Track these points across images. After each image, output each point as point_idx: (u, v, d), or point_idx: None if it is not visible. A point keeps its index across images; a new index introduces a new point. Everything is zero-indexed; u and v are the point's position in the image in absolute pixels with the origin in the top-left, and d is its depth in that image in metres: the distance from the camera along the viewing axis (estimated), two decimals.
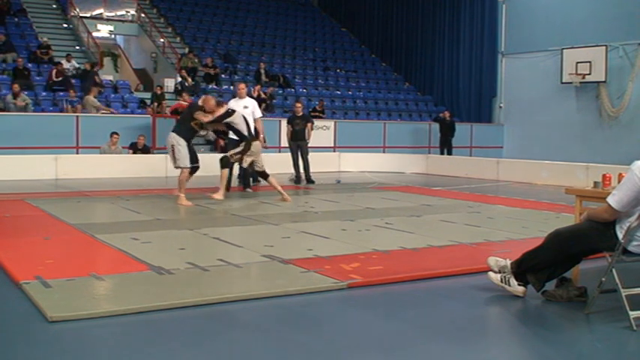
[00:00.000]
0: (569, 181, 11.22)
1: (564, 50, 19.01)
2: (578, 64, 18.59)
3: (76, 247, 6.05)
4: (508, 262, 4.49)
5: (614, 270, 3.89)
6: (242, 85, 11.19)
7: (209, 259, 5.28)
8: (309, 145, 13.08)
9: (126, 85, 18.76)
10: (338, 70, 23.72)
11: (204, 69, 19.77)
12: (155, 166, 13.71)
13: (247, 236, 6.69)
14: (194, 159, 9.24)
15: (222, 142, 13.30)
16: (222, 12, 25.30)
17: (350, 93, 22.32)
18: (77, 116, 15.16)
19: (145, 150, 14.69)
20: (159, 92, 17.67)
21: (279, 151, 16.19)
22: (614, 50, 18.15)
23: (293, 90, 20.81)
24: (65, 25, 21.28)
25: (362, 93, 22.50)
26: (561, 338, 3.73)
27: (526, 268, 4.33)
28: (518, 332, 4.01)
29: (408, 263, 5.42)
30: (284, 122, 14.29)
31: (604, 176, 4.69)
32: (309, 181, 12.86)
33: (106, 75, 19.29)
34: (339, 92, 22.15)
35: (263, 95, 17.80)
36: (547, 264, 4.25)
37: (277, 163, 14.36)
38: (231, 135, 9.93)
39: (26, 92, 15.48)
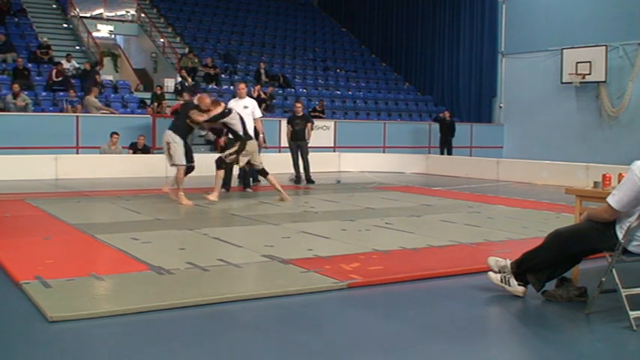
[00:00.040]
0: (569, 181, 11.22)
1: (564, 50, 19.01)
2: (578, 64, 18.59)
3: (76, 247, 6.05)
4: (508, 262, 4.49)
5: (614, 270, 3.89)
6: (242, 85, 11.18)
7: (209, 259, 5.28)
8: (309, 145, 13.08)
9: (126, 85, 18.76)
10: (338, 70, 23.72)
11: (204, 69, 19.77)
12: (155, 166, 13.69)
13: (247, 236, 6.68)
14: (190, 158, 9.20)
15: (222, 142, 13.29)
16: (222, 12, 25.30)
17: (350, 93, 22.32)
18: (77, 116, 15.16)
19: (145, 150, 14.69)
20: (159, 92, 17.68)
21: (279, 151, 16.19)
22: (614, 50, 18.15)
23: (293, 90, 20.81)
24: (65, 25, 21.28)
25: (362, 93, 22.51)
26: (561, 338, 3.73)
27: (526, 268, 4.33)
28: (518, 332, 4.01)
29: (408, 263, 5.42)
30: (284, 122, 14.29)
31: (604, 176, 4.69)
32: (309, 181, 12.86)
33: (106, 75, 19.28)
34: (339, 92, 22.15)
35: (263, 95, 17.80)
36: (547, 264, 4.25)
37: (277, 163, 14.35)
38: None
39: (26, 92, 15.48)
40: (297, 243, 6.20)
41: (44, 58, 17.80)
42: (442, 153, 18.72)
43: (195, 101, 9.34)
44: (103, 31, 22.79)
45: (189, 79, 18.32)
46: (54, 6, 21.80)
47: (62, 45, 19.66)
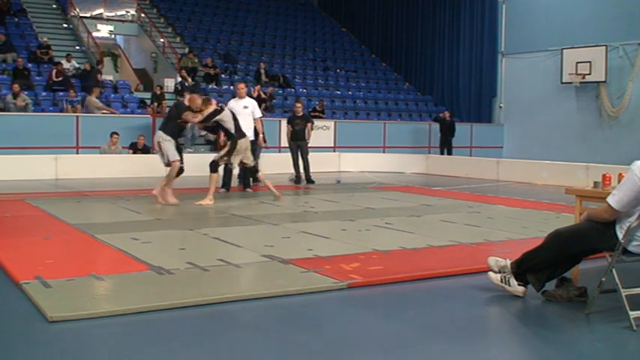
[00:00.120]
0: (569, 181, 11.22)
1: (564, 50, 19.01)
2: (578, 64, 18.58)
3: (76, 247, 6.05)
4: (508, 262, 4.48)
5: (614, 270, 3.89)
6: (242, 85, 11.17)
7: (209, 259, 5.28)
8: (309, 145, 13.08)
9: (126, 85, 18.76)
10: (338, 70, 23.72)
11: (204, 69, 19.77)
12: (155, 166, 13.58)
13: (247, 236, 6.68)
14: (180, 159, 9.08)
15: (222, 142, 13.30)
16: (222, 12, 25.30)
17: (350, 93, 22.32)
18: (77, 116, 15.16)
19: (145, 150, 14.68)
20: (159, 92, 17.67)
21: (279, 151, 16.20)
22: (614, 50, 18.15)
23: (293, 90, 20.81)
24: (65, 25, 21.28)
25: (362, 93, 22.50)
26: (561, 338, 3.73)
27: (526, 268, 4.33)
28: (518, 332, 4.01)
29: (408, 263, 5.42)
30: (284, 122, 14.29)
31: (604, 176, 4.69)
32: (309, 181, 12.86)
33: (106, 75, 19.28)
34: (339, 92, 22.15)
35: (263, 95, 17.79)
36: (547, 264, 4.25)
37: (277, 163, 14.38)
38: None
39: (26, 92, 15.48)
40: (297, 243, 6.20)
41: (44, 58, 17.79)
42: (442, 153, 18.72)
43: (187, 102, 9.19)
44: (103, 31, 22.78)
45: (189, 79, 18.31)
46: (54, 6, 21.80)
47: (62, 45, 19.65)
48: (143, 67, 23.72)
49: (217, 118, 9.16)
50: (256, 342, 3.58)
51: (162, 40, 21.77)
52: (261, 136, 11.14)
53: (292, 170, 13.06)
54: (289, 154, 13.11)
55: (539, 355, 3.53)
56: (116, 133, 14.22)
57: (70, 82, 16.64)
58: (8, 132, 14.05)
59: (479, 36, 21.94)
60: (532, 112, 20.45)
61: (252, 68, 21.24)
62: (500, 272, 4.51)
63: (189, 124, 10.44)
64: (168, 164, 9.06)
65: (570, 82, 18.93)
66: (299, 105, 13.20)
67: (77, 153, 14.75)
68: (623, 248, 3.96)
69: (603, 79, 18.32)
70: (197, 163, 11.40)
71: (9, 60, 17.11)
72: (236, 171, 10.63)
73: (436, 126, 19.41)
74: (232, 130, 9.24)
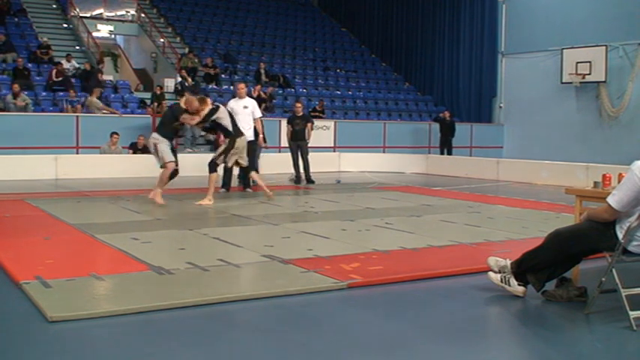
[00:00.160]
0: (569, 181, 11.22)
1: (564, 50, 19.01)
2: (578, 64, 18.58)
3: (76, 247, 6.05)
4: (508, 262, 4.48)
5: (614, 270, 3.89)
6: (242, 85, 11.17)
7: (209, 259, 5.28)
8: (309, 145, 13.08)
9: (126, 85, 18.77)
10: (338, 70, 23.72)
11: (204, 69, 19.77)
12: (155, 167, 13.68)
13: (247, 236, 6.69)
14: (175, 162, 9.02)
15: (221, 142, 13.29)
16: (222, 12, 25.30)
17: (350, 93, 22.32)
18: (77, 116, 15.16)
19: (145, 150, 14.67)
20: (159, 92, 17.67)
21: (279, 151, 16.20)
22: (614, 50, 18.15)
23: (293, 90, 20.81)
24: (65, 25, 21.29)
25: (362, 93, 22.50)
26: (561, 338, 3.73)
27: (526, 268, 4.33)
28: (518, 332, 4.01)
29: (408, 263, 5.42)
30: (284, 122, 14.29)
31: (604, 176, 4.69)
32: (309, 181, 12.86)
33: (106, 75, 19.29)
34: (339, 92, 22.15)
35: (263, 95, 17.80)
36: (547, 264, 4.25)
37: (277, 163, 14.38)
38: None
39: (26, 92, 15.48)
40: (297, 243, 6.20)
41: (44, 58, 17.80)
42: (442, 153, 18.72)
43: (183, 105, 9.11)
44: (103, 31, 22.79)
45: (189, 79, 18.32)
46: (54, 6, 21.80)
47: (62, 45, 19.66)
48: (143, 67, 23.72)
49: (214, 117, 9.12)
50: (256, 342, 3.58)
51: (162, 40, 21.77)
52: (261, 136, 11.14)
53: (292, 170, 13.06)
54: (289, 154, 13.11)
55: (539, 355, 3.53)
56: (116, 133, 14.22)
57: (70, 82, 16.65)
58: (8, 132, 14.05)
59: (479, 36, 21.94)
60: (532, 112, 20.45)
61: (252, 68, 21.24)
62: (500, 272, 4.51)
63: (187, 125, 10.42)
64: (163, 166, 9.05)
65: (570, 82, 18.93)
66: (299, 105, 13.20)
67: (77, 153, 14.76)
68: (623, 248, 3.96)
69: (603, 79, 18.32)
70: (197, 163, 11.41)
71: (9, 60, 17.12)
72: (236, 171, 10.62)
73: (436, 126, 19.41)
74: (229, 128, 9.23)
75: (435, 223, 7.63)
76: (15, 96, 14.83)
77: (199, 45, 21.94)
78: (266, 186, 9.75)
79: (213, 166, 9.29)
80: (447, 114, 19.11)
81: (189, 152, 15.84)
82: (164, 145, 8.90)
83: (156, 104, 16.93)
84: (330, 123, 18.50)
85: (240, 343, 3.56)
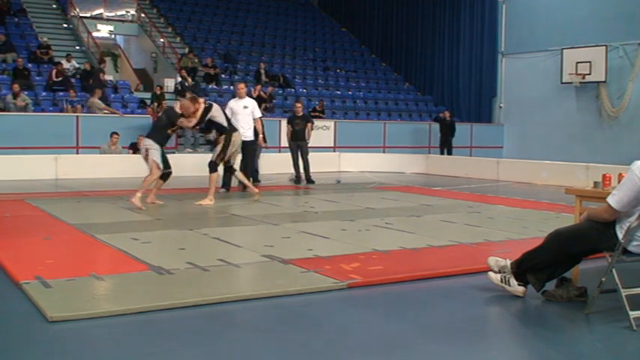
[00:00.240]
0: (569, 181, 11.22)
1: (564, 50, 19.00)
2: (578, 64, 18.58)
3: (76, 247, 6.05)
4: (508, 262, 4.48)
5: (614, 270, 3.89)
6: (242, 85, 11.17)
7: (209, 259, 5.28)
8: (309, 145, 13.08)
9: (126, 85, 18.77)
10: (338, 70, 23.72)
11: (204, 69, 19.77)
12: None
13: (247, 236, 6.69)
14: (166, 164, 8.99)
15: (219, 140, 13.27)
16: (222, 12, 25.30)
17: (350, 93, 22.32)
18: (77, 116, 15.16)
19: None
20: (159, 92, 17.68)
21: (279, 151, 16.20)
22: (614, 50, 18.15)
23: (293, 90, 20.81)
24: (65, 25, 21.29)
25: (362, 93, 22.50)
26: (561, 338, 3.73)
27: (526, 268, 4.33)
28: (518, 332, 4.01)
29: (408, 263, 5.42)
30: (284, 122, 14.29)
31: (604, 176, 4.69)
32: (309, 181, 12.86)
33: (106, 75, 19.28)
34: (339, 92, 22.15)
35: (263, 95, 17.80)
36: (547, 264, 4.25)
37: (277, 163, 14.39)
38: None
39: (26, 92, 15.48)
40: (297, 243, 6.20)
41: (44, 58, 17.80)
42: (442, 153, 18.72)
43: (178, 110, 9.04)
44: (103, 31, 22.79)
45: (189, 79, 18.32)
46: (54, 6, 21.80)
47: (62, 45, 19.66)
48: (143, 67, 23.72)
49: (209, 115, 9.08)
50: (256, 342, 3.58)
51: (162, 40, 21.77)
52: (261, 136, 11.14)
53: (292, 170, 13.06)
54: (289, 154, 13.11)
55: (539, 355, 3.53)
56: (116, 133, 14.22)
57: (70, 82, 16.65)
58: (8, 132, 14.06)
59: (479, 36, 21.94)
60: (532, 112, 20.45)
61: (252, 68, 21.24)
62: (500, 272, 4.51)
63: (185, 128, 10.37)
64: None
65: (570, 82, 18.93)
66: (299, 105, 13.20)
67: (77, 153, 14.76)
68: (623, 248, 3.96)
69: (603, 79, 18.32)
70: (197, 163, 11.41)
71: (9, 60, 17.12)
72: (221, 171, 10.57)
73: (436, 126, 19.41)
74: (224, 124, 9.20)
75: (435, 223, 7.63)
76: (15, 96, 14.83)
77: (199, 45, 21.94)
78: (261, 187, 9.72)
79: (213, 166, 9.28)
80: (447, 114, 19.11)
81: (189, 152, 15.85)
82: (155, 152, 8.80)
83: (156, 104, 16.93)
84: (330, 123, 18.51)
85: (240, 343, 3.56)
